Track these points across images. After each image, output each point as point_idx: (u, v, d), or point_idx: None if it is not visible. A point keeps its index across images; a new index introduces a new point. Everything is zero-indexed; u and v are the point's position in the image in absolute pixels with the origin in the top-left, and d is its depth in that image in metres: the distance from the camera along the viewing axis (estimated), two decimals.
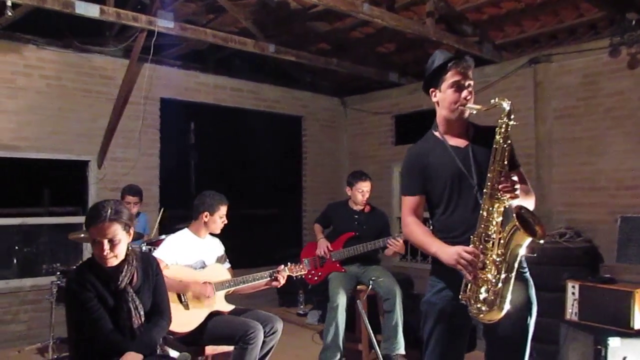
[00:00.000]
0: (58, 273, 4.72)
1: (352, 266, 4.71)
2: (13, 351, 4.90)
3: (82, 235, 4.37)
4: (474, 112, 2.43)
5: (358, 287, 4.61)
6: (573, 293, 4.05)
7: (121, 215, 2.58)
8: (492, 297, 2.22)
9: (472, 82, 2.47)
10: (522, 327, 2.40)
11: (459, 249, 2.25)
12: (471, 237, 2.30)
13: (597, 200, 5.41)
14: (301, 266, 3.90)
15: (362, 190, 4.73)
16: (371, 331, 3.98)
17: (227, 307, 3.68)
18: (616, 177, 5.28)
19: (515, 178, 2.26)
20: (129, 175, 6.12)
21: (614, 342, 3.54)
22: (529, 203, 2.42)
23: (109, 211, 2.54)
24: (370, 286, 4.29)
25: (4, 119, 5.48)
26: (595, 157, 5.44)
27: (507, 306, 2.22)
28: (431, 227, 2.56)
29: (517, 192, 2.25)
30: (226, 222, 3.84)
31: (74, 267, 4.05)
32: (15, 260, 5.96)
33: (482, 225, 2.28)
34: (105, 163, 6.07)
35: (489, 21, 5.65)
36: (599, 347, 3.56)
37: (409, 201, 2.55)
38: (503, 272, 2.21)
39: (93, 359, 2.53)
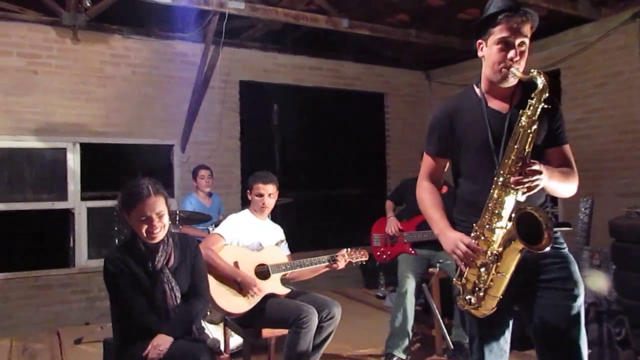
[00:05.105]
0: None
1: (424, 250, 4.38)
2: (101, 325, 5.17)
3: None
4: (516, 78, 2.04)
5: (430, 269, 4.34)
6: None
7: (162, 187, 2.63)
8: (482, 294, 2.01)
9: (525, 40, 2.04)
10: (568, 309, 2.04)
11: (458, 238, 2.03)
12: (474, 225, 2.04)
13: None
14: (362, 252, 3.75)
15: None
16: (439, 317, 3.76)
17: (283, 290, 3.58)
18: None
19: (536, 167, 1.91)
20: (211, 157, 6.26)
21: None
22: (567, 188, 2.08)
23: (150, 187, 2.56)
24: (438, 268, 4.02)
25: (94, 107, 5.82)
26: None
27: (495, 304, 2.01)
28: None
29: (535, 186, 1.92)
30: (265, 202, 3.67)
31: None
32: (116, 241, 6.30)
33: (487, 216, 2.01)
34: (188, 146, 6.26)
35: None
36: None
37: (428, 162, 2.33)
38: (494, 271, 1.97)
39: (132, 337, 2.55)
